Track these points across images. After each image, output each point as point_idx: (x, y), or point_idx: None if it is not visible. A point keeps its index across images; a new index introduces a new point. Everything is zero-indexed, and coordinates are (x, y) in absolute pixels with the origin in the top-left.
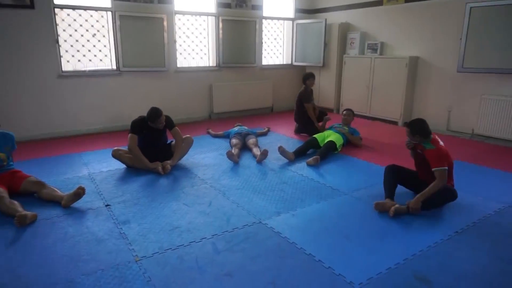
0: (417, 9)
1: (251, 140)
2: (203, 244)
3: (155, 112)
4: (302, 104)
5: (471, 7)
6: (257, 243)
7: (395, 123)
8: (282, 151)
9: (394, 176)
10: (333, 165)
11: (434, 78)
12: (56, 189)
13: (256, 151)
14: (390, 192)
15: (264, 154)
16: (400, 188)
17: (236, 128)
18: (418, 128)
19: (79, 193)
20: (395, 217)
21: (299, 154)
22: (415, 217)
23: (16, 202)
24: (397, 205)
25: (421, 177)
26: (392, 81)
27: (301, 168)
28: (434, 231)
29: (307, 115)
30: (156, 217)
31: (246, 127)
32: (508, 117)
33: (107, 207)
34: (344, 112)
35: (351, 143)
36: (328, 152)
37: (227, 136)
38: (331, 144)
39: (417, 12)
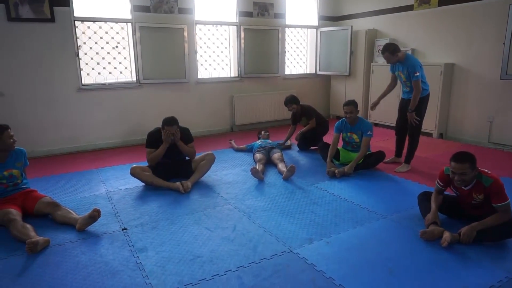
0: (451, 12)
1: (276, 155)
2: (228, 278)
3: (165, 119)
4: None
5: None
6: (289, 278)
7: (429, 134)
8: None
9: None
10: (365, 182)
11: (473, 86)
12: (71, 211)
13: (282, 167)
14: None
15: (291, 171)
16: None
17: (259, 142)
18: (473, 158)
19: (94, 216)
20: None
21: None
22: (470, 248)
23: (28, 226)
24: (447, 234)
25: (470, 213)
26: None
27: (331, 186)
28: (495, 266)
29: (309, 131)
30: (176, 243)
31: (270, 140)
32: None
33: (124, 231)
34: (345, 107)
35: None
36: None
37: (250, 150)
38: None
39: (452, 16)
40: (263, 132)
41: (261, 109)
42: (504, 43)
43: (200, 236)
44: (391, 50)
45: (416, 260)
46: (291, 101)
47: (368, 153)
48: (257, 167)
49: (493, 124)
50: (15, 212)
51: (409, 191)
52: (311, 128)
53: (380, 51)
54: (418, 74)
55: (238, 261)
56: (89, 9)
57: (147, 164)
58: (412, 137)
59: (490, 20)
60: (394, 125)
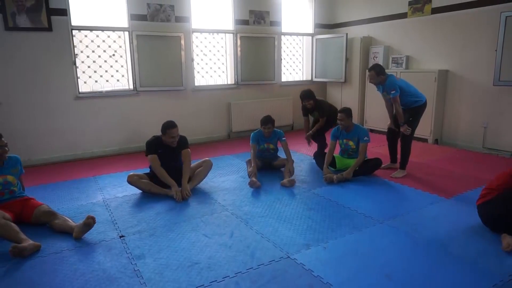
0: (445, 20)
1: (280, 159)
2: (226, 284)
3: (167, 123)
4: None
5: (506, 17)
6: (287, 284)
7: (424, 140)
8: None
9: None
10: (362, 188)
11: (467, 92)
12: (68, 219)
13: (286, 170)
14: None
15: (291, 183)
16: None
17: (261, 143)
18: None
19: (89, 223)
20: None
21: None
22: (466, 251)
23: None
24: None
25: None
26: None
27: (328, 192)
28: (492, 269)
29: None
30: (174, 250)
31: (272, 145)
32: None
33: (121, 238)
34: (338, 115)
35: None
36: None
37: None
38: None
39: (445, 24)
40: (263, 129)
41: (257, 116)
42: (496, 50)
43: (198, 243)
44: (377, 70)
45: (413, 265)
46: (309, 96)
47: (365, 159)
48: (253, 178)
49: (487, 129)
50: (7, 216)
51: (405, 196)
52: (319, 127)
53: (374, 58)
54: (393, 91)
55: (236, 267)
56: (86, 18)
57: (146, 172)
58: (404, 143)
59: (482, 27)
60: None
